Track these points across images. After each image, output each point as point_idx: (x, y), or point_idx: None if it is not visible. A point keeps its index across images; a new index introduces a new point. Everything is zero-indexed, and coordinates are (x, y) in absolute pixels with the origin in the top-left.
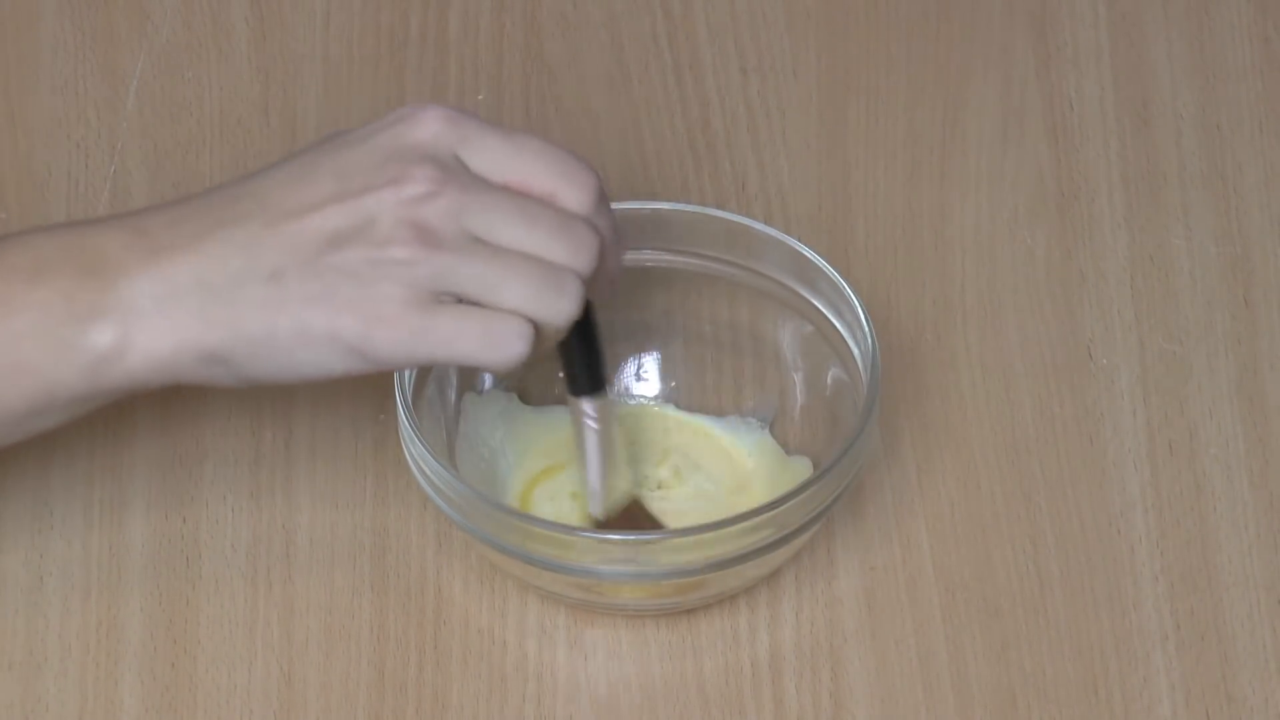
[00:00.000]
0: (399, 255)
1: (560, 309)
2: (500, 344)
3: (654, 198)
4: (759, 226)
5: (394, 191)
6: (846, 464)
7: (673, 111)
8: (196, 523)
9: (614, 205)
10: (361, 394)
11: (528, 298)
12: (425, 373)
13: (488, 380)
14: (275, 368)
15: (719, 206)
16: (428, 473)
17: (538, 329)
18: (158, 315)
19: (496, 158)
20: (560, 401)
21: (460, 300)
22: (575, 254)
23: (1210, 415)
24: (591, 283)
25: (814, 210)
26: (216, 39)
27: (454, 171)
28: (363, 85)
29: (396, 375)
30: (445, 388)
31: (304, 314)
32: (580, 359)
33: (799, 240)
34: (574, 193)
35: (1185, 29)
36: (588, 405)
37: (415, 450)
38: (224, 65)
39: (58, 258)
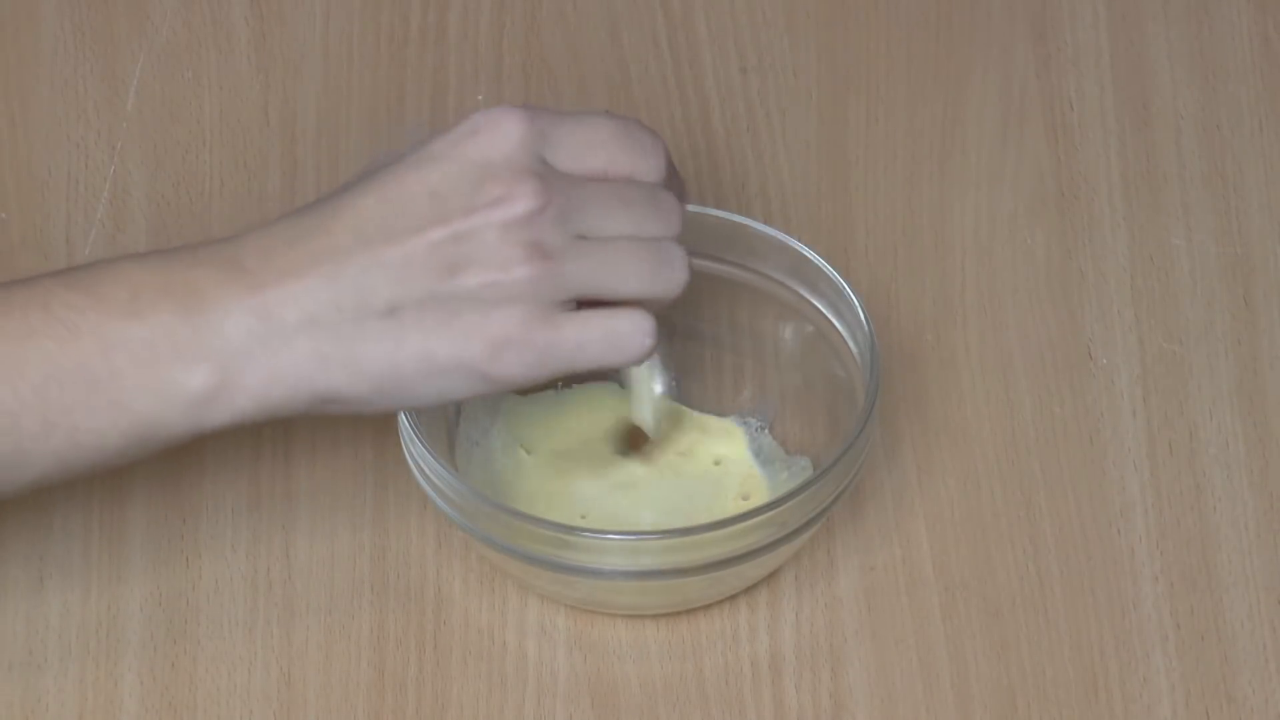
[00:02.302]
0: (520, 275)
1: (673, 280)
2: (627, 342)
3: None
4: (759, 226)
5: (502, 211)
6: (846, 464)
7: (673, 111)
8: (196, 523)
9: None
10: None
11: (643, 278)
12: None
13: None
14: (396, 401)
15: (719, 206)
16: (428, 473)
17: (649, 305)
18: (266, 357)
19: (578, 151)
20: (550, 385)
21: (579, 302)
22: (669, 223)
23: (1210, 415)
24: None
25: (814, 210)
26: (216, 39)
27: (550, 179)
28: (363, 85)
29: None
30: None
31: (426, 346)
32: None
33: (799, 240)
34: (649, 165)
35: (1185, 29)
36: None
37: (415, 450)
38: (224, 65)
39: (153, 292)
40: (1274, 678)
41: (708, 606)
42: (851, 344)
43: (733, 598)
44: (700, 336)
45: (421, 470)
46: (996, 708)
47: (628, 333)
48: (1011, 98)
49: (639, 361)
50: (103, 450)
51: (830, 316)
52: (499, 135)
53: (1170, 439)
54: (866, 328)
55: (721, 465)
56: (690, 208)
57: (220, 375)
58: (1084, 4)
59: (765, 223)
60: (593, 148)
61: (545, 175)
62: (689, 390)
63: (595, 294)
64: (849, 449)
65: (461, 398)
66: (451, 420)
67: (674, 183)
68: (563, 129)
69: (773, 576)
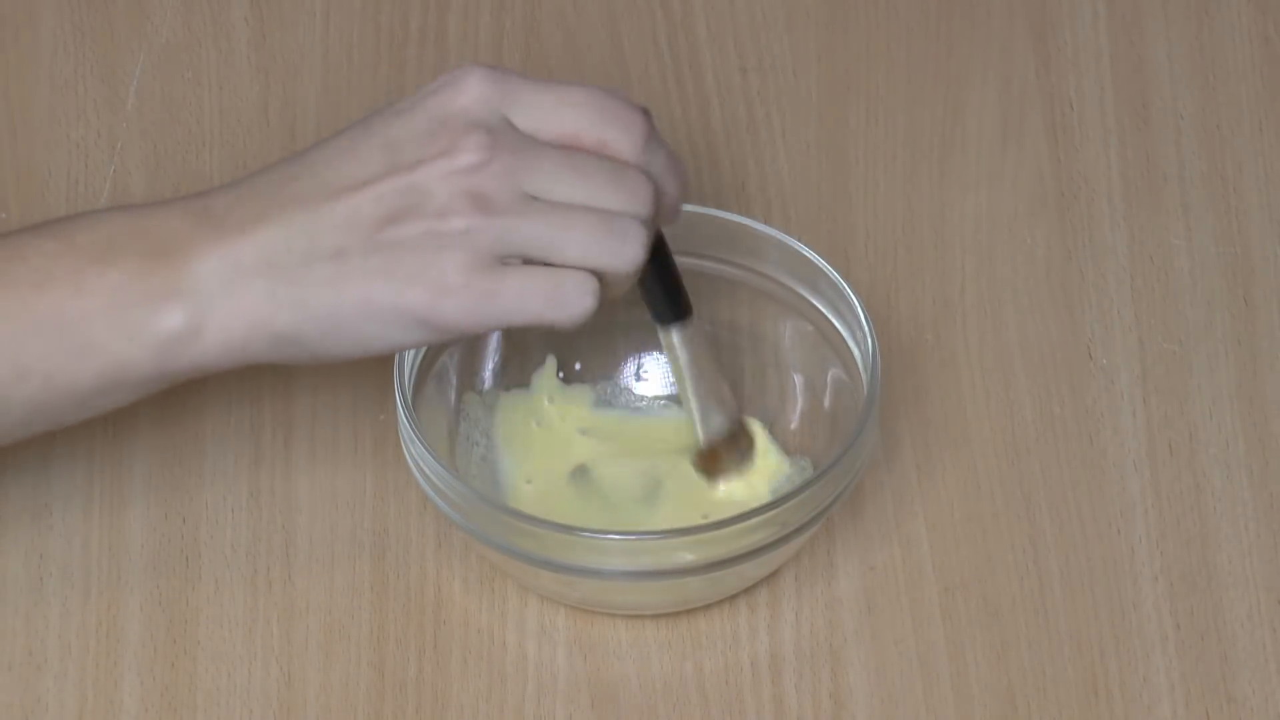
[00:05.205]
0: (458, 226)
1: (625, 255)
2: (567, 301)
3: None
4: (759, 226)
5: (446, 162)
6: (846, 464)
7: (673, 111)
8: (196, 523)
9: None
10: (361, 393)
11: (590, 248)
12: (425, 372)
13: (488, 380)
14: (346, 343)
15: (719, 206)
16: (428, 473)
17: (604, 279)
18: (227, 297)
19: (543, 114)
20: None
21: (524, 261)
22: (631, 200)
23: (1210, 415)
24: (656, 216)
25: (814, 210)
26: (216, 39)
27: (502, 135)
28: (363, 85)
29: (396, 375)
30: (445, 388)
31: (368, 288)
32: (659, 289)
33: (799, 240)
34: (623, 137)
35: (1185, 29)
36: (675, 334)
37: (415, 450)
38: (224, 65)
39: (126, 239)
40: (1274, 678)
41: (708, 606)
42: (851, 344)
43: (733, 598)
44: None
45: (421, 470)
46: (996, 708)
47: (570, 291)
48: (1011, 98)
49: (577, 323)
50: (76, 394)
51: (830, 316)
52: (459, 90)
53: (1170, 439)
54: (866, 328)
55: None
56: (690, 208)
57: (186, 316)
58: (1084, 4)
59: (765, 223)
60: (560, 112)
61: (497, 130)
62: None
63: (539, 255)
64: (849, 449)
65: (409, 344)
66: (451, 420)
67: (656, 157)
68: (531, 91)
69: (773, 576)
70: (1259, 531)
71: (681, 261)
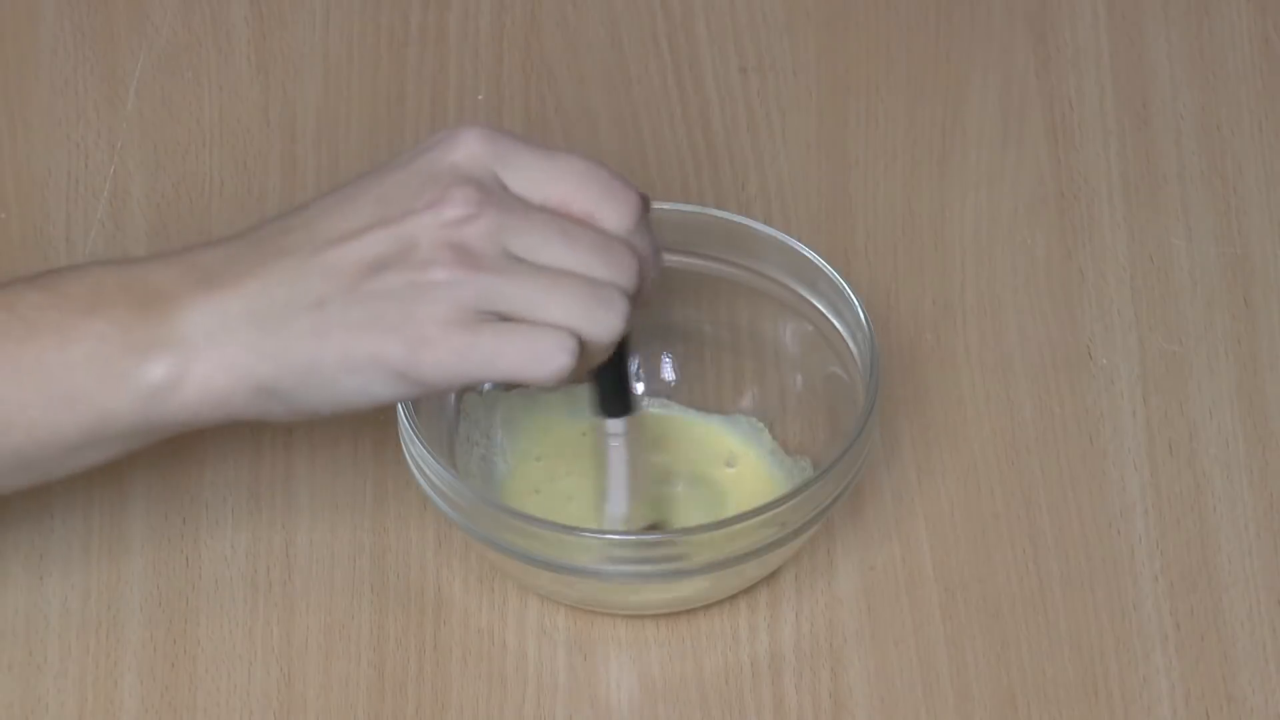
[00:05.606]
0: (439, 277)
1: (606, 323)
2: (545, 358)
3: (654, 198)
4: (759, 226)
5: (433, 214)
6: (846, 464)
7: (673, 111)
8: (196, 523)
9: None
10: None
11: (572, 313)
12: None
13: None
14: (324, 396)
15: (719, 206)
16: (428, 473)
17: (582, 344)
18: (211, 348)
19: (535, 177)
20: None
21: (503, 318)
22: (617, 271)
23: (1210, 415)
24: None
25: (814, 210)
26: (216, 39)
27: (493, 192)
28: (363, 85)
29: None
30: None
31: (348, 340)
32: (609, 381)
33: (799, 240)
34: (614, 213)
35: (1185, 29)
36: (614, 427)
37: (415, 450)
38: (224, 65)
39: (114, 290)
40: (1274, 678)
41: (708, 606)
42: (851, 344)
43: (733, 598)
44: (700, 336)
45: (421, 470)
46: (996, 708)
47: (547, 348)
48: (1011, 98)
49: (554, 381)
50: (60, 445)
51: (830, 316)
52: (453, 146)
53: (1170, 439)
54: (866, 328)
55: (734, 467)
56: (690, 208)
57: (170, 367)
58: (1084, 4)
59: (765, 223)
60: (553, 180)
61: (487, 188)
62: (689, 391)
63: (520, 314)
64: (849, 449)
65: (388, 399)
66: (451, 420)
67: (643, 241)
68: (525, 156)
69: (773, 576)
70: (1259, 531)
71: (682, 261)
